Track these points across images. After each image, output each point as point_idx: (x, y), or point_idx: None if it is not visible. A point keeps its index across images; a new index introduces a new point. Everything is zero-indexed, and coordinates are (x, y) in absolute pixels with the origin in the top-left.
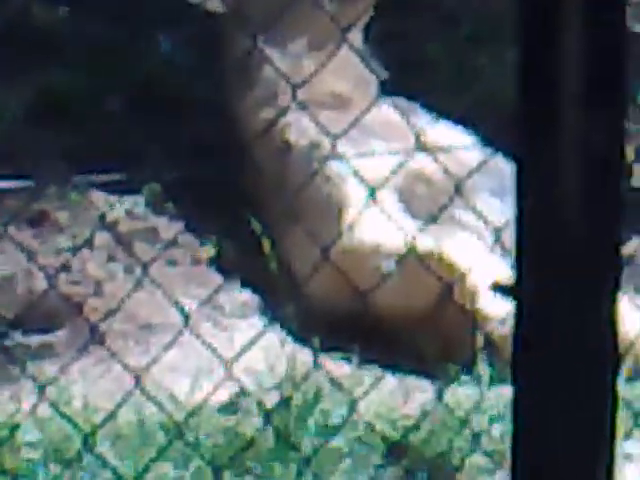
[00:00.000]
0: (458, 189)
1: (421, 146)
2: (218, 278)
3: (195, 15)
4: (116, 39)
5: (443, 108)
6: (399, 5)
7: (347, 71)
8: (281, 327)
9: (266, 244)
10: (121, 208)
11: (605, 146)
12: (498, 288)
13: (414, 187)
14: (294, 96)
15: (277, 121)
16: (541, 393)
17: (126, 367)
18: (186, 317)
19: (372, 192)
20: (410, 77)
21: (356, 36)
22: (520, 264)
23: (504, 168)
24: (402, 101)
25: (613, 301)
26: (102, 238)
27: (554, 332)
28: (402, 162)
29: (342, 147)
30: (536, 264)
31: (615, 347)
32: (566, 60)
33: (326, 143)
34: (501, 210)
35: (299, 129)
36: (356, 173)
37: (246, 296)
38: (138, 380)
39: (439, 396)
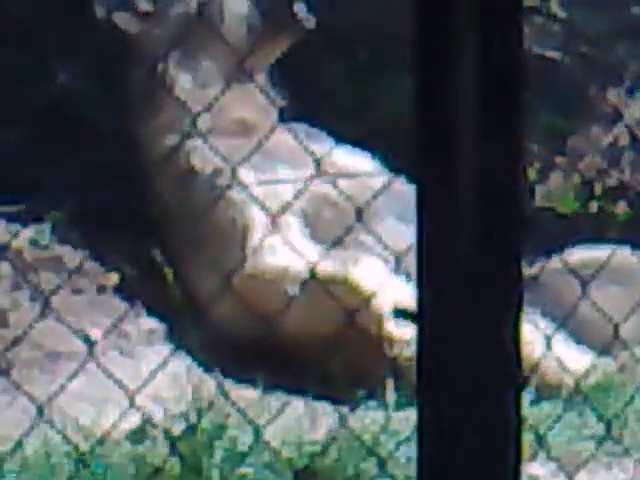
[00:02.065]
0: (360, 213)
1: (321, 172)
2: (124, 306)
3: (101, 33)
4: (15, 68)
5: (346, 133)
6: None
7: (251, 98)
8: (187, 354)
9: (168, 273)
10: (24, 237)
11: (503, 171)
12: (400, 312)
13: (320, 211)
14: (194, 123)
15: (180, 147)
16: (445, 416)
17: (30, 397)
18: (91, 345)
19: (273, 217)
20: (313, 103)
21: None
22: (421, 288)
23: (408, 192)
24: (306, 127)
25: (516, 323)
26: (6, 267)
27: (456, 355)
28: (302, 187)
29: (246, 173)
30: (436, 288)
31: (519, 369)
32: (461, 85)
33: (228, 169)
34: (405, 233)
35: (203, 155)
36: (257, 199)
37: (152, 323)
38: (42, 410)
39: (343, 421)
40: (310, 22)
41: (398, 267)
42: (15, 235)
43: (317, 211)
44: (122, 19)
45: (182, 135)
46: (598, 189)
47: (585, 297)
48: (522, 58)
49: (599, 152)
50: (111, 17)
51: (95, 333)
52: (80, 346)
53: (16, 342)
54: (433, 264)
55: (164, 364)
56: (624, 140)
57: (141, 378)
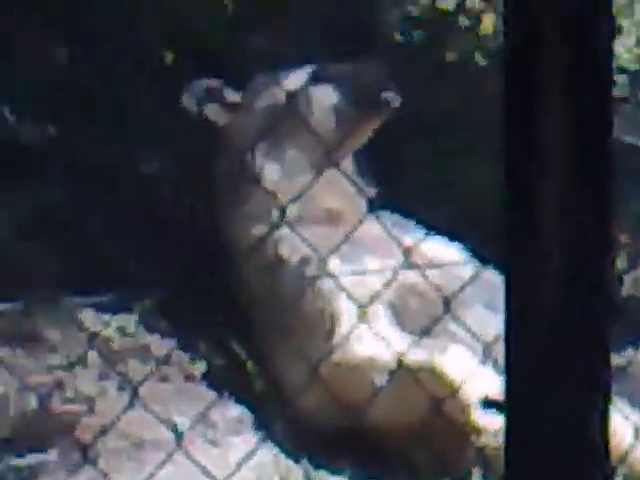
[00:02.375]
0: (447, 304)
1: (410, 262)
2: (210, 394)
3: (189, 125)
4: (107, 157)
5: (433, 222)
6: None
7: (338, 187)
8: (274, 443)
9: (249, 366)
10: (113, 326)
11: (591, 258)
12: (489, 403)
13: (407, 301)
14: (283, 213)
15: (268, 237)
16: None
17: None
18: (178, 434)
19: (362, 307)
20: (400, 192)
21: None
22: (509, 377)
23: (495, 280)
24: (393, 216)
25: (604, 412)
26: (94, 356)
27: (544, 445)
28: (390, 278)
29: (333, 262)
30: (524, 378)
31: (607, 459)
32: (549, 172)
33: (317, 259)
34: (493, 322)
35: (290, 245)
36: (345, 289)
37: (239, 412)
38: None
39: None
40: (397, 102)
41: (486, 356)
42: (104, 324)
43: (405, 301)
44: (211, 110)
45: (271, 225)
46: None
47: None
48: (611, 146)
49: None
50: (200, 108)
51: (182, 422)
52: (167, 435)
53: (105, 431)
54: (520, 354)
55: (251, 453)
56: None
57: (229, 467)
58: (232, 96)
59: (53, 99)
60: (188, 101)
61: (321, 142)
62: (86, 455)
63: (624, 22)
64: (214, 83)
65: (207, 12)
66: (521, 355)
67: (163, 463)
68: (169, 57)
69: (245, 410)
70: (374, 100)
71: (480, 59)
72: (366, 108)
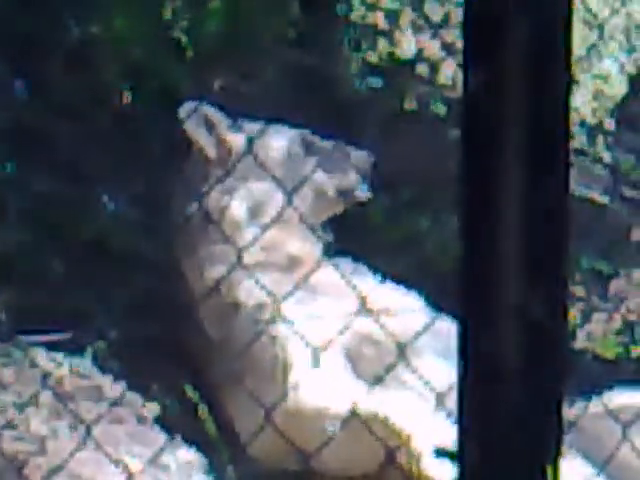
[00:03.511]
0: (401, 352)
1: (366, 309)
2: (163, 437)
3: (152, 164)
4: (62, 198)
5: (388, 269)
6: None
7: (296, 233)
8: None
9: (202, 410)
10: (66, 366)
11: (545, 315)
12: (441, 452)
13: (361, 348)
14: (239, 258)
15: (225, 280)
16: None
17: None
18: (130, 477)
19: (316, 353)
20: (357, 240)
21: (305, 197)
22: (461, 428)
23: (450, 329)
24: (348, 261)
25: (555, 464)
26: (46, 396)
27: None
28: (346, 325)
29: (289, 307)
30: (476, 428)
31: None
32: (505, 229)
33: (272, 304)
34: (447, 371)
35: (247, 289)
36: (300, 335)
37: (191, 455)
38: None
39: None
40: (366, 197)
41: (439, 405)
42: (57, 364)
43: (359, 348)
44: (204, 140)
45: (228, 268)
46: None
47: (625, 441)
48: (567, 201)
49: None
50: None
51: (133, 464)
52: (118, 477)
53: (56, 471)
54: (474, 406)
55: None
56: None
57: None
58: (230, 136)
59: (9, 138)
60: (185, 116)
61: (280, 187)
62: None
63: (581, 76)
64: (215, 116)
65: (167, 54)
66: (474, 406)
67: None
68: (128, 96)
69: (197, 454)
70: (347, 191)
71: (439, 108)
72: (338, 196)
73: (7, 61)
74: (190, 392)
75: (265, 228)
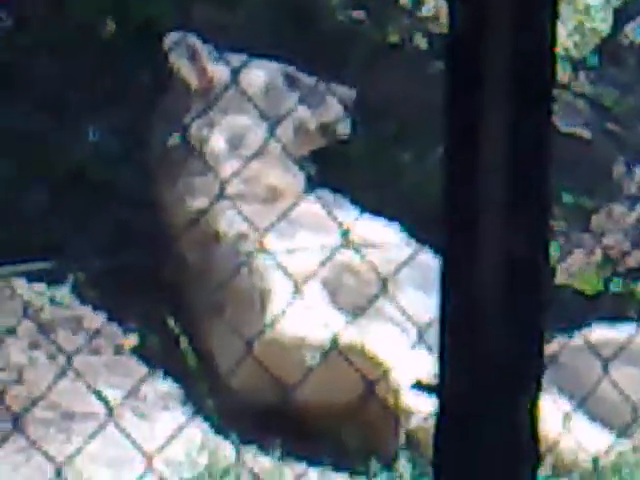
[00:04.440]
0: (384, 285)
1: (347, 242)
2: (141, 368)
3: (127, 100)
4: (43, 129)
5: (370, 202)
6: None
7: (278, 165)
8: (204, 419)
9: (183, 341)
10: (45, 296)
11: (527, 248)
12: (419, 385)
13: (341, 279)
14: (221, 190)
15: (206, 211)
16: None
17: (47, 457)
18: (109, 408)
19: (296, 285)
20: (339, 173)
21: (286, 130)
22: (442, 361)
23: (431, 262)
24: (330, 194)
25: (535, 400)
26: (25, 326)
27: (474, 431)
28: (327, 257)
29: (270, 239)
30: (457, 361)
31: (536, 446)
32: (488, 161)
33: (253, 235)
34: (427, 304)
35: (228, 220)
36: (281, 267)
37: (169, 387)
38: (60, 472)
39: None
40: (346, 133)
41: (419, 339)
42: (37, 294)
43: (339, 279)
44: (185, 67)
45: (209, 200)
46: (620, 268)
47: (605, 376)
48: (550, 134)
49: (623, 231)
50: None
51: (112, 394)
52: (96, 406)
53: (35, 402)
54: (454, 338)
55: (180, 428)
56: None
57: (156, 441)
58: (213, 67)
59: None
60: (169, 46)
61: (264, 119)
62: (16, 424)
63: (563, 9)
64: (199, 47)
65: None
66: (454, 340)
67: (94, 435)
68: (111, 27)
69: (176, 385)
70: (328, 127)
71: (421, 41)
72: (319, 130)
73: None
74: (171, 323)
75: (246, 160)
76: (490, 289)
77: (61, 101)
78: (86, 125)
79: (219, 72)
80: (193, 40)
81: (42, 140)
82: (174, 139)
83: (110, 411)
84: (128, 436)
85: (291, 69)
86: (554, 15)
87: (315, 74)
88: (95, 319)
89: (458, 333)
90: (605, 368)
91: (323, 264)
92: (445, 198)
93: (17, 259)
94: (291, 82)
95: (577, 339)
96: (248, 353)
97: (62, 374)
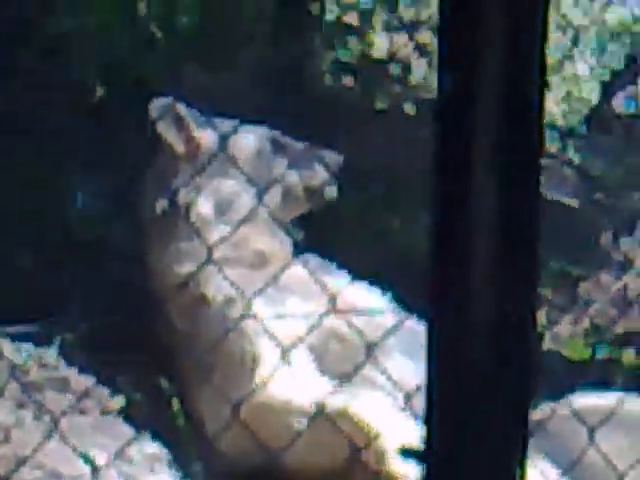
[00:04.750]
0: (370, 352)
1: (334, 309)
2: (128, 430)
3: (117, 163)
4: (32, 189)
5: (357, 266)
6: None
7: (266, 230)
8: None
9: (174, 403)
10: (33, 357)
11: (516, 314)
12: (406, 452)
13: (328, 345)
14: (209, 254)
15: (194, 276)
16: None
17: None
18: (95, 469)
19: (284, 351)
20: (326, 238)
21: (274, 195)
22: (428, 427)
23: (418, 328)
24: (318, 259)
25: (521, 467)
26: (13, 386)
27: None
28: (315, 323)
29: (258, 304)
30: (443, 428)
31: None
32: (477, 229)
33: (241, 300)
34: (414, 370)
35: (216, 284)
36: (269, 332)
37: (156, 449)
38: None
39: None
40: (333, 197)
41: (406, 405)
42: (24, 355)
43: (326, 345)
44: (170, 134)
45: (198, 264)
46: (607, 335)
47: (591, 444)
48: (539, 203)
49: (609, 299)
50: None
51: (98, 456)
52: (82, 469)
53: (22, 463)
54: (441, 405)
55: None
56: (634, 289)
57: None
58: (200, 133)
59: None
60: (155, 111)
61: (252, 184)
62: None
63: (552, 78)
64: (185, 113)
65: (141, 47)
66: (441, 406)
67: None
68: (101, 90)
69: (163, 448)
70: (315, 192)
71: (409, 108)
72: (306, 195)
73: None
74: (164, 384)
75: (234, 226)
76: (477, 355)
77: (51, 160)
78: (75, 185)
79: (206, 137)
80: (179, 107)
81: (30, 199)
82: (163, 204)
83: (96, 472)
84: None
85: (279, 134)
86: (543, 85)
87: (303, 139)
88: (82, 381)
89: (444, 399)
90: (591, 436)
91: (311, 330)
92: (432, 263)
93: (3, 320)
94: (279, 147)
95: (563, 406)
96: (235, 417)
97: (49, 435)
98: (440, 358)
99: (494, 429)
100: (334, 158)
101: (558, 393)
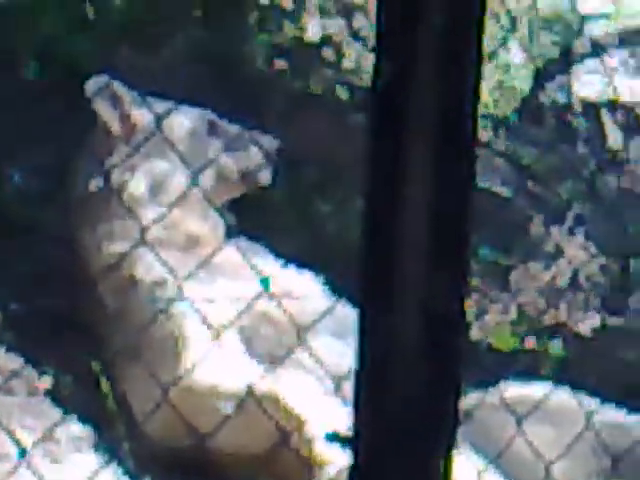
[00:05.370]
0: (300, 336)
1: (266, 292)
2: (56, 411)
3: (50, 141)
4: None
5: (289, 251)
6: None
7: (199, 212)
8: (118, 464)
9: (104, 384)
10: None
11: (444, 303)
12: (333, 437)
13: (259, 328)
14: (142, 235)
15: (126, 257)
16: None
17: None
18: (22, 449)
19: (214, 333)
20: (259, 221)
21: (207, 177)
22: (357, 413)
23: (349, 312)
24: (250, 243)
25: (448, 456)
26: None
27: None
28: (246, 306)
29: (188, 286)
30: (372, 413)
31: None
32: (409, 215)
33: (172, 282)
34: (344, 353)
35: (147, 266)
36: (199, 314)
37: (83, 431)
38: None
39: None
40: (266, 182)
41: (335, 389)
42: None
43: (257, 328)
44: (105, 110)
45: (130, 245)
46: (536, 326)
47: (519, 434)
48: (471, 190)
49: (539, 289)
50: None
51: (25, 437)
52: (9, 448)
53: None
54: (370, 390)
55: (95, 473)
56: (563, 279)
57: None
58: (136, 113)
59: None
60: (91, 89)
61: (186, 165)
62: None
63: (485, 67)
64: (122, 92)
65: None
66: (369, 393)
67: (7, 476)
68: (34, 67)
69: (90, 429)
70: (249, 176)
71: (343, 93)
72: (240, 178)
73: None
74: (94, 366)
75: (167, 207)
76: (406, 342)
77: None
78: (7, 163)
79: (142, 117)
80: (116, 85)
81: None
82: (96, 182)
83: (23, 452)
84: (41, 479)
85: (214, 116)
86: (479, 74)
87: (238, 122)
88: (10, 361)
89: (373, 385)
90: (519, 426)
91: (241, 314)
92: (363, 248)
93: None
94: (214, 129)
95: (491, 396)
96: (164, 399)
97: None
98: (369, 345)
99: (422, 417)
100: (269, 142)
101: (486, 383)
